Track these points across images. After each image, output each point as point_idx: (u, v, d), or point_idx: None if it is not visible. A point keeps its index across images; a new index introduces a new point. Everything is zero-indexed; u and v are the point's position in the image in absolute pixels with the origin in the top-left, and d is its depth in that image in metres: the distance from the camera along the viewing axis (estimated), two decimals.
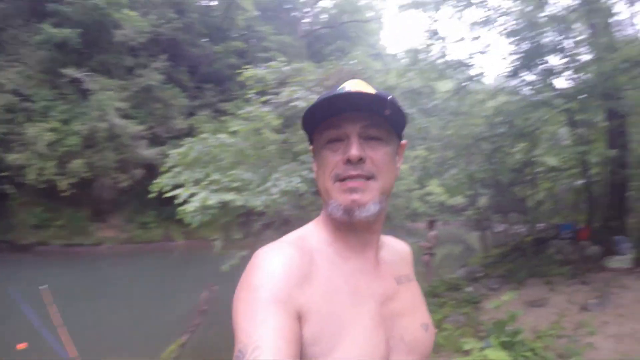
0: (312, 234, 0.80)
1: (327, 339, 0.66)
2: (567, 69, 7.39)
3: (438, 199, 15.37)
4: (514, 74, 7.98)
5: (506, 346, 3.84)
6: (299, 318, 0.66)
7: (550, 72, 7.58)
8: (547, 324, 4.79)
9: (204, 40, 23.20)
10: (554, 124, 8.39)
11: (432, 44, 8.89)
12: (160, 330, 6.42)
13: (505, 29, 7.83)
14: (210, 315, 5.64)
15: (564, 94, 7.27)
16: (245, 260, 0.89)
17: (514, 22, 7.61)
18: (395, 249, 0.91)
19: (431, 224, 8.13)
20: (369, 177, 0.72)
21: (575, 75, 7.39)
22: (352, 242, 0.78)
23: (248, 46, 23.47)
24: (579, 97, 6.82)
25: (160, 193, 5.24)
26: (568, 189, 9.27)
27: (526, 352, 3.76)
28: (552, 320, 4.92)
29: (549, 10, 7.20)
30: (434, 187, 14.52)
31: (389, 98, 0.70)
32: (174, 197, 4.85)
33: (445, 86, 9.82)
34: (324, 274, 0.72)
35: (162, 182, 5.34)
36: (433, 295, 6.30)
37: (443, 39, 8.89)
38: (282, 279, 0.67)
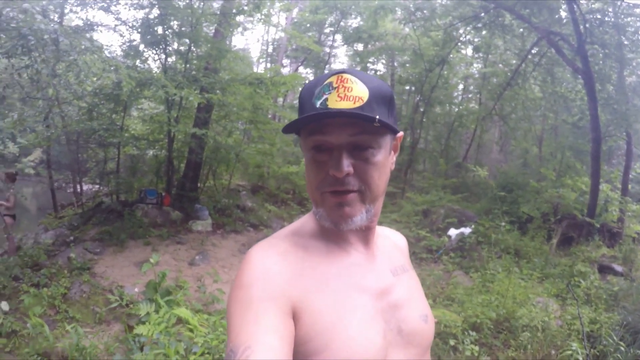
0: (306, 227, 0.77)
1: (321, 336, 0.63)
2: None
3: None
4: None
5: (172, 304, 4.10)
6: (293, 315, 0.64)
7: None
8: (170, 280, 5.34)
9: None
10: (150, 99, 9.09)
11: None
12: None
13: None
14: None
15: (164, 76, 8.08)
16: None
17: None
18: (391, 239, 0.90)
19: (11, 177, 6.40)
20: (357, 191, 0.69)
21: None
22: (345, 237, 0.76)
23: None
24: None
25: None
26: (152, 157, 10.00)
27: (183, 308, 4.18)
28: (172, 277, 5.51)
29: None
30: None
31: (377, 117, 0.63)
32: None
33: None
34: (317, 268, 0.70)
35: None
36: (34, 266, 5.15)
37: None
38: (275, 275, 0.65)
